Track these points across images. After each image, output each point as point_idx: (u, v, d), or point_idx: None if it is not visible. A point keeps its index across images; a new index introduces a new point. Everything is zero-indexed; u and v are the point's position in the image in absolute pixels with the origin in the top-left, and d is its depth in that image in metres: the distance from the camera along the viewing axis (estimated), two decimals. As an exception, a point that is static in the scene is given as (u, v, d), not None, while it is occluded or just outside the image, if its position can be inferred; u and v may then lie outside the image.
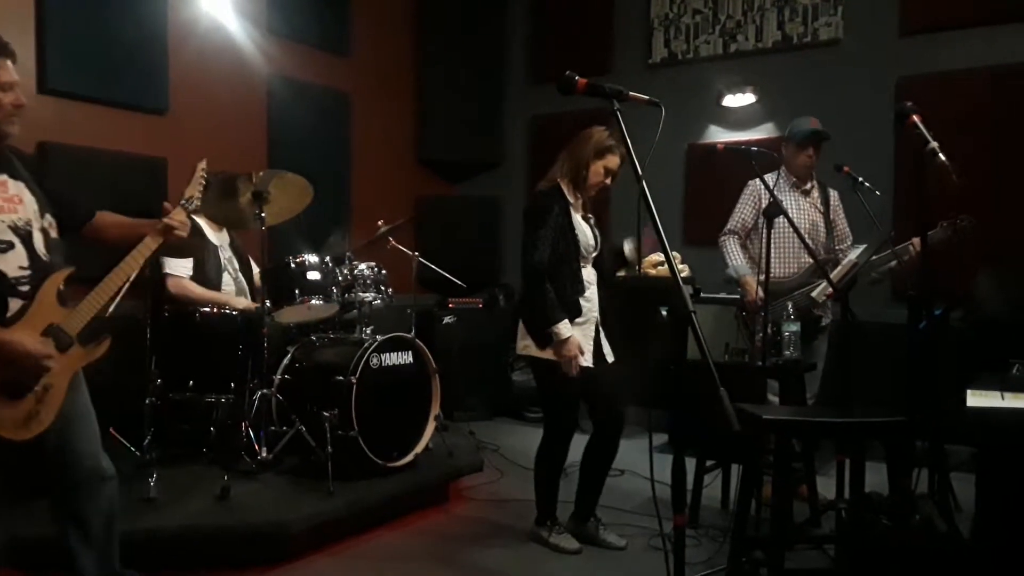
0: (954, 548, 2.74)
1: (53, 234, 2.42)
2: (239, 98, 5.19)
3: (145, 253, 2.47)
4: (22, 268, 2.29)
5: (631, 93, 2.06)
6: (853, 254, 3.88)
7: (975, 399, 2.39)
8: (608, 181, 3.37)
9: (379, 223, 4.50)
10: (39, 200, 2.38)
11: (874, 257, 3.77)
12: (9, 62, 2.27)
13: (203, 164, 2.77)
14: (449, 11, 6.57)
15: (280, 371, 3.93)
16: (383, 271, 4.21)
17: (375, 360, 3.80)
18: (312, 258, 4.01)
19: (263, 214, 3.62)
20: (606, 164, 3.32)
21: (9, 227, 2.27)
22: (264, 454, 3.64)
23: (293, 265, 3.95)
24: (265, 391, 3.80)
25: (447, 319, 6.10)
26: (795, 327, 3.63)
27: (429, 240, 6.10)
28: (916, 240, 3.73)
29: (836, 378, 4.10)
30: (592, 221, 3.47)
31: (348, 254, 4.15)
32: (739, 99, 5.75)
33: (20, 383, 2.23)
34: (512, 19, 6.83)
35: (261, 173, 3.62)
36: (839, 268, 3.85)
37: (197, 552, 3.10)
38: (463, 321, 6.14)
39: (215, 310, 3.83)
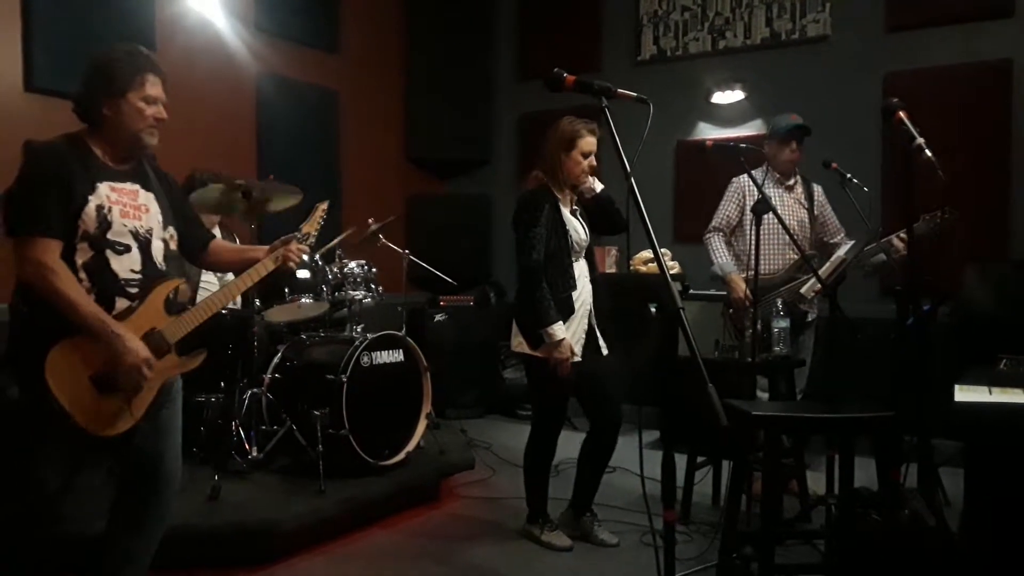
0: (943, 542, 2.75)
1: (173, 246, 2.50)
2: (227, 96, 5.16)
3: (256, 277, 2.60)
4: (134, 271, 2.35)
5: (619, 90, 2.06)
6: (842, 250, 3.90)
7: (963, 394, 2.40)
8: (592, 162, 3.34)
9: (369, 221, 4.49)
10: (165, 212, 2.47)
11: (866, 249, 3.79)
12: (158, 78, 2.39)
13: (324, 206, 2.91)
14: (437, 8, 6.56)
15: (270, 370, 3.92)
16: (373, 269, 4.21)
17: (366, 358, 3.79)
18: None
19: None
20: (581, 150, 3.30)
21: (130, 231, 2.35)
22: (255, 453, 3.64)
23: (283, 263, 3.93)
24: (255, 390, 3.79)
25: (438, 317, 6.10)
26: (784, 323, 3.64)
27: (419, 238, 6.11)
28: (897, 238, 3.75)
29: (825, 374, 4.12)
30: (579, 213, 3.45)
31: (338, 252, 4.14)
32: (728, 96, 5.76)
33: (114, 379, 2.26)
34: (500, 16, 6.83)
35: (248, 181, 3.60)
36: (827, 264, 3.87)
37: (188, 552, 3.09)
38: (454, 319, 6.14)
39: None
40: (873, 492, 2.99)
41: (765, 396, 3.85)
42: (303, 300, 3.93)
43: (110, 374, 2.25)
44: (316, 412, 3.61)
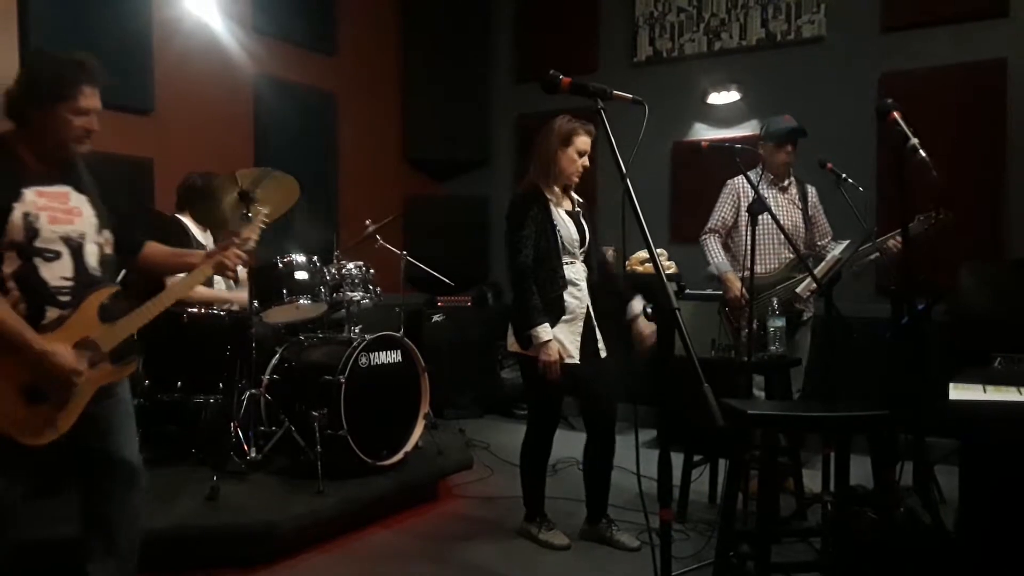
0: (938, 540, 2.77)
1: (108, 250, 2.45)
2: (224, 98, 5.17)
3: (193, 283, 2.56)
4: (65, 279, 2.31)
5: (615, 92, 2.07)
6: (837, 250, 3.92)
7: (958, 392, 2.41)
8: (585, 162, 3.36)
9: (367, 222, 4.50)
10: (100, 215, 2.42)
11: (860, 248, 3.81)
12: (94, 90, 2.33)
13: (266, 210, 2.86)
14: (434, 10, 6.57)
15: (268, 371, 3.93)
16: (371, 270, 4.22)
17: (364, 359, 3.80)
18: (300, 258, 4.01)
19: (250, 214, 3.61)
20: (576, 148, 3.32)
21: (61, 237, 2.30)
22: (253, 454, 3.65)
23: (281, 265, 3.94)
24: (254, 391, 3.80)
25: (436, 317, 6.11)
26: (780, 322, 3.66)
27: (417, 239, 6.11)
28: (892, 239, 3.77)
29: (820, 373, 4.14)
30: (580, 215, 3.45)
31: (336, 252, 4.15)
32: (724, 97, 5.78)
33: (42, 389, 2.24)
34: (497, 18, 6.84)
35: (247, 172, 3.60)
36: (823, 264, 3.89)
37: (187, 553, 3.10)
38: (452, 319, 6.15)
39: (202, 311, 3.82)
40: (869, 490, 3.01)
41: (761, 395, 3.87)
42: (301, 301, 3.93)
43: (39, 384, 2.23)
44: (314, 413, 3.62)
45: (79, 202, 2.37)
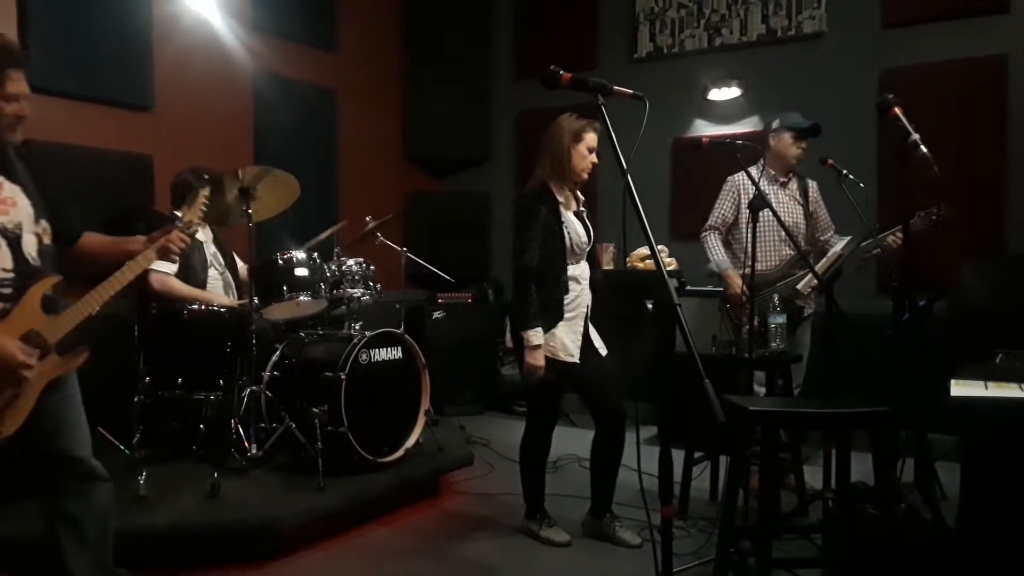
0: (939, 536, 2.77)
1: (46, 240, 2.40)
2: (224, 94, 5.17)
3: (137, 270, 2.47)
4: (5, 270, 2.27)
5: (615, 87, 2.07)
6: (838, 246, 3.91)
7: (959, 389, 2.41)
8: (594, 159, 3.35)
9: (367, 219, 4.50)
10: (36, 205, 2.37)
11: (862, 244, 3.81)
12: (20, 73, 2.26)
13: (206, 191, 2.77)
14: (434, 6, 6.56)
15: (269, 368, 3.92)
16: (371, 267, 4.21)
17: (364, 356, 3.80)
18: (300, 255, 4.00)
19: (250, 211, 3.61)
20: (587, 144, 3.31)
21: None
22: (254, 451, 3.64)
23: (281, 262, 3.94)
24: (254, 388, 3.79)
25: (436, 314, 6.11)
26: (781, 319, 3.66)
27: (417, 236, 6.11)
28: (892, 236, 3.77)
29: (821, 369, 4.14)
30: (585, 215, 3.46)
31: (336, 249, 4.15)
32: (724, 93, 5.77)
33: None
34: (497, 15, 6.83)
35: (248, 169, 3.60)
36: (824, 260, 3.89)
37: (187, 549, 3.10)
38: (452, 316, 6.15)
39: (203, 307, 3.82)
40: (870, 487, 3.01)
41: (762, 391, 3.86)
42: (301, 298, 3.93)
43: None
44: (315, 409, 3.62)
45: (12, 192, 2.32)
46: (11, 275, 2.28)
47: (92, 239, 2.59)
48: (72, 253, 2.56)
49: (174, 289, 3.86)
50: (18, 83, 2.26)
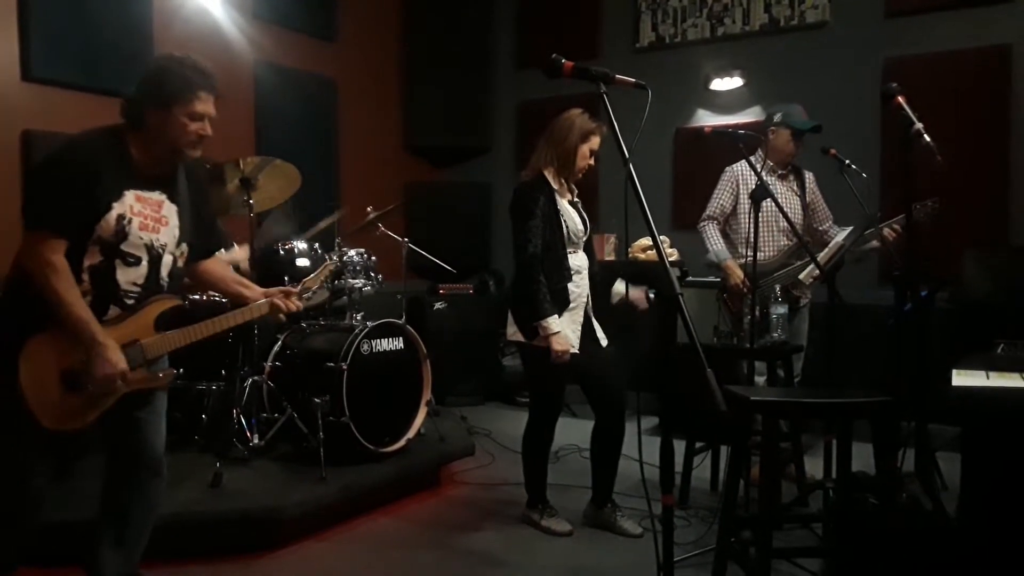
0: (940, 526, 2.77)
1: (181, 263, 2.50)
2: (225, 84, 5.00)
3: (248, 316, 2.58)
4: (136, 284, 2.36)
5: (618, 76, 2.06)
6: (840, 236, 3.91)
7: (960, 379, 2.41)
8: (592, 161, 3.38)
9: (368, 209, 4.49)
10: (184, 228, 2.46)
11: (865, 234, 3.80)
12: (210, 96, 2.40)
13: (331, 266, 2.89)
14: (435, -5, 6.54)
15: (271, 358, 3.93)
16: (373, 258, 4.21)
17: (366, 346, 3.80)
18: (301, 244, 4.00)
19: (251, 201, 3.61)
20: (591, 146, 3.34)
21: (145, 244, 2.35)
22: (256, 441, 3.66)
23: (282, 252, 3.94)
24: (256, 378, 3.80)
25: (437, 305, 6.11)
26: (782, 309, 3.66)
27: (419, 226, 6.10)
28: (888, 228, 3.76)
29: (823, 359, 4.14)
30: (580, 205, 3.47)
31: (337, 239, 4.15)
32: (727, 82, 5.75)
33: (83, 380, 2.26)
34: (499, 4, 6.80)
35: (249, 159, 3.60)
36: (826, 250, 3.88)
37: (190, 539, 3.11)
38: (453, 307, 6.15)
39: (204, 297, 3.82)
40: (871, 476, 3.01)
41: (763, 381, 3.87)
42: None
43: (81, 374, 2.25)
44: (317, 400, 3.62)
45: (169, 212, 2.42)
46: (139, 290, 2.37)
47: (215, 267, 2.70)
48: (194, 269, 2.64)
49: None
50: (207, 104, 2.39)
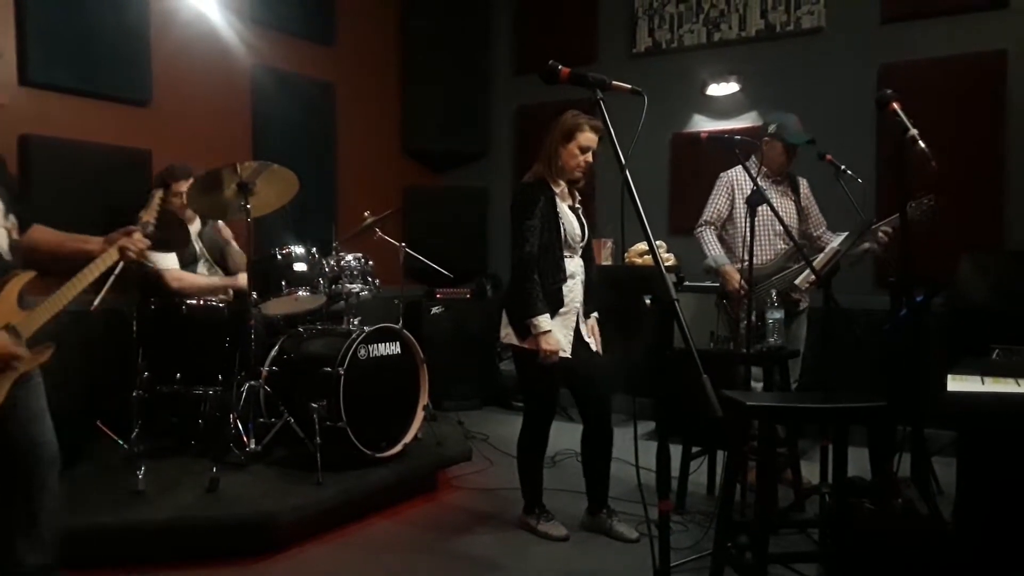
0: (936, 531, 2.77)
1: (15, 235, 2.40)
2: (223, 89, 5.16)
3: (101, 268, 2.48)
4: None
5: (614, 82, 2.07)
6: (836, 241, 3.92)
7: (956, 384, 2.41)
8: (588, 158, 3.35)
9: (365, 214, 4.50)
10: (4, 199, 2.36)
11: (861, 237, 3.81)
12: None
13: (160, 193, 2.78)
14: (433, 0, 6.54)
15: (268, 363, 3.93)
16: (370, 262, 4.21)
17: (363, 351, 3.80)
18: (299, 249, 4.00)
19: (248, 206, 3.61)
20: (579, 144, 3.31)
21: None
22: (253, 446, 3.65)
23: (279, 257, 3.94)
24: (253, 383, 3.80)
25: (435, 309, 6.11)
26: (779, 314, 3.66)
27: (416, 231, 6.11)
28: (880, 231, 3.77)
29: (819, 364, 4.15)
30: (581, 211, 3.47)
31: (335, 244, 4.15)
32: (723, 88, 5.77)
33: None
34: (496, 9, 6.81)
35: (247, 164, 3.60)
36: (821, 255, 3.89)
37: (186, 544, 3.11)
38: (451, 311, 6.16)
39: (201, 302, 3.82)
40: (867, 481, 3.01)
41: (759, 386, 3.87)
42: (300, 293, 3.93)
43: None
44: (314, 404, 3.62)
45: None
46: None
47: (43, 233, 2.57)
48: (27, 239, 2.52)
49: (194, 283, 3.87)
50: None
